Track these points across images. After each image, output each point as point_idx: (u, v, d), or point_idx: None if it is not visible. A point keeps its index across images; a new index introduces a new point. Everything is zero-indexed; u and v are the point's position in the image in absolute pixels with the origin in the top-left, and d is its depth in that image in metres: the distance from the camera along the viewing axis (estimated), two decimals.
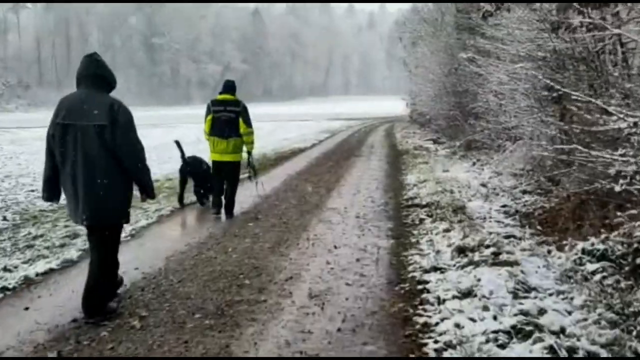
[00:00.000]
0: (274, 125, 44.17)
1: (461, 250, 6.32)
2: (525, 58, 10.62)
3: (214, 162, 9.53)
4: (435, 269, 6.08)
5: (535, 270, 5.77)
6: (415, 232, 8.07)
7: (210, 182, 9.97)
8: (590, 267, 5.75)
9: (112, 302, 5.12)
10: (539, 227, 8.21)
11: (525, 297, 4.95)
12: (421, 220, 8.79)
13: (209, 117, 9.27)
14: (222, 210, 9.47)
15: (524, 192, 10.62)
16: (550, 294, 5.09)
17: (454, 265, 6.09)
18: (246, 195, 11.00)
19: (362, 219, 9.09)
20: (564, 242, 7.32)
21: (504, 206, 9.87)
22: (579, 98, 6.91)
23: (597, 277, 5.46)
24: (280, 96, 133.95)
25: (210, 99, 9.56)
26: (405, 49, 38.28)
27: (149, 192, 5.23)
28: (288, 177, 14.05)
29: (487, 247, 6.24)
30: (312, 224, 8.69)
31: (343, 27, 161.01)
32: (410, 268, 6.28)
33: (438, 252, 6.66)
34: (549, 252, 6.77)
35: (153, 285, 5.83)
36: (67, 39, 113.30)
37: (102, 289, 5.02)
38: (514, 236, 7.72)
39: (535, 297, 4.96)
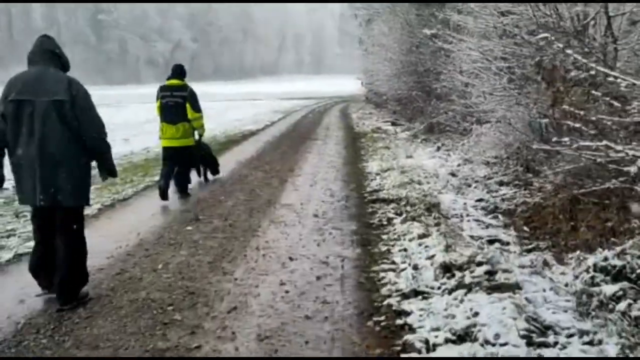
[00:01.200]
0: (225, 106, 42.47)
1: (447, 269, 5.10)
2: (503, 33, 9.50)
3: (163, 148, 9.51)
4: (415, 293, 4.86)
5: (543, 295, 4.60)
6: (384, 236, 6.85)
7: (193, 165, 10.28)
8: (607, 289, 4.61)
9: (85, 288, 5.02)
10: (525, 228, 7.09)
11: (543, 344, 3.77)
12: (390, 221, 7.58)
13: (157, 103, 9.38)
14: (168, 195, 9.16)
15: (500, 183, 9.52)
16: (572, 335, 3.93)
17: (439, 288, 4.88)
18: (189, 187, 9.65)
19: (321, 218, 7.83)
20: (561, 248, 6.24)
21: (480, 200, 8.75)
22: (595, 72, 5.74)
23: (622, 305, 4.32)
24: (232, 75, 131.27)
25: (160, 85, 9.55)
26: (360, 27, 36.94)
27: (112, 169, 5.17)
28: (237, 165, 12.68)
29: (479, 264, 5.03)
30: (263, 226, 7.39)
31: (295, 5, 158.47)
32: (384, 291, 5.04)
33: (416, 267, 5.45)
34: (547, 264, 5.65)
35: (51, 324, 4.45)
36: (8, 13, 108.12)
37: (74, 274, 4.87)
38: (499, 240, 6.60)
39: (556, 344, 3.78)
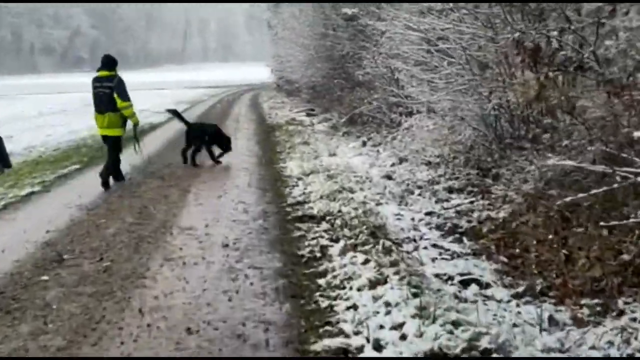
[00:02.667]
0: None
1: None
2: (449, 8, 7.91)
3: (101, 136, 9.72)
4: None
5: None
6: (321, 280, 4.98)
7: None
8: None
9: None
10: (503, 258, 5.42)
11: None
12: (324, 250, 5.74)
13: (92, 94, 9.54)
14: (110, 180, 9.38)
15: (450, 190, 7.87)
16: None
17: None
18: (60, 205, 7.51)
19: (232, 249, 5.89)
20: (562, 292, 4.60)
21: (430, 214, 7.07)
22: None
23: None
24: (136, 63, 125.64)
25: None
26: (269, 10, 34.91)
27: (6, 160, 5.66)
28: (130, 170, 10.49)
29: (486, 353, 3.25)
30: (152, 268, 5.37)
31: None
32: None
33: (379, 347, 3.63)
34: (554, 321, 3.99)
35: None
36: None
37: None
38: (475, 281, 4.89)
39: None
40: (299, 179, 9.44)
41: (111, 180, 9.39)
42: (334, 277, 4.98)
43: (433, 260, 5.44)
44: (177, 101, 33.80)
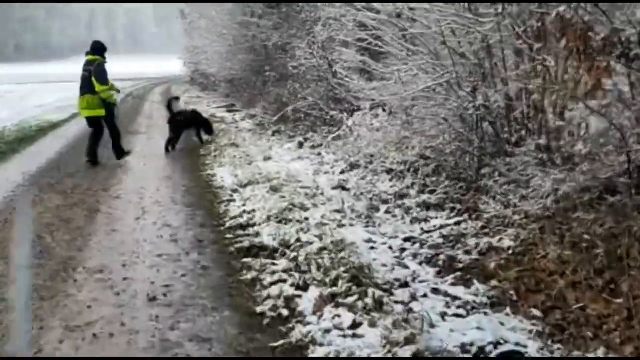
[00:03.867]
0: (29, 89, 36.33)
1: None
2: None
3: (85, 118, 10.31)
4: None
5: None
6: None
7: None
8: None
9: None
10: (536, 312, 4.04)
11: None
12: (291, 306, 4.18)
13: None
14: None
15: (426, 206, 6.46)
16: None
17: None
18: None
19: (163, 307, 4.23)
20: None
21: (410, 239, 5.66)
22: None
23: None
24: (36, 54, 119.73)
25: None
26: None
27: None
28: (22, 182, 8.54)
29: None
30: (47, 348, 3.66)
31: None
32: None
33: None
34: None
35: None
36: None
37: None
38: (518, 355, 3.48)
39: None
40: (235, 191, 7.82)
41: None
42: (315, 351, 3.45)
43: (443, 317, 4.00)
44: None
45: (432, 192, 6.64)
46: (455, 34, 6.57)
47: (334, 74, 11.77)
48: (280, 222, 6.17)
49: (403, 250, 5.40)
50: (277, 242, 5.48)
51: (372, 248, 5.46)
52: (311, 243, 5.34)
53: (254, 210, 6.67)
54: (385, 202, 6.86)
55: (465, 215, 5.96)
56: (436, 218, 6.10)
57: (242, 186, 7.97)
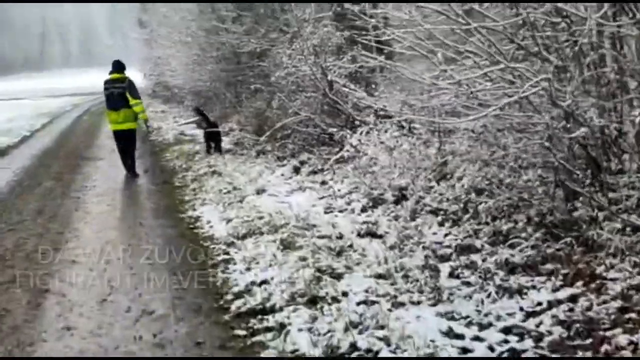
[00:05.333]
0: None
1: None
2: None
3: (113, 131, 10.88)
4: None
5: None
6: None
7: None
8: None
9: None
10: None
11: None
12: None
13: (104, 95, 10.77)
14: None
15: (509, 267, 4.62)
16: None
17: None
18: None
19: None
20: None
21: (511, 330, 3.82)
22: None
23: None
24: None
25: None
26: (140, 6, 30.51)
27: None
28: None
29: None
30: None
31: None
32: None
33: None
34: None
35: None
36: None
37: None
38: None
39: None
40: (230, 244, 5.94)
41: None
42: None
43: None
44: (38, 113, 28.88)
45: (512, 245, 4.80)
46: (538, 29, 4.78)
47: (330, 84, 9.94)
48: (311, 303, 4.30)
49: (514, 352, 3.56)
50: (321, 350, 3.60)
51: (465, 350, 3.61)
52: (376, 353, 3.48)
53: (266, 282, 4.77)
54: (444, 258, 5.02)
55: (579, 284, 4.15)
56: (534, 288, 4.27)
57: (240, 237, 6.07)
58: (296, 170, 9.49)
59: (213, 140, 12.63)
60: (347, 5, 10.52)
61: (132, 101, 10.47)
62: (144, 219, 7.35)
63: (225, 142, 13.93)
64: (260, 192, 8.16)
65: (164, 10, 22.05)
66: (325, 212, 7.00)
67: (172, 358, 3.76)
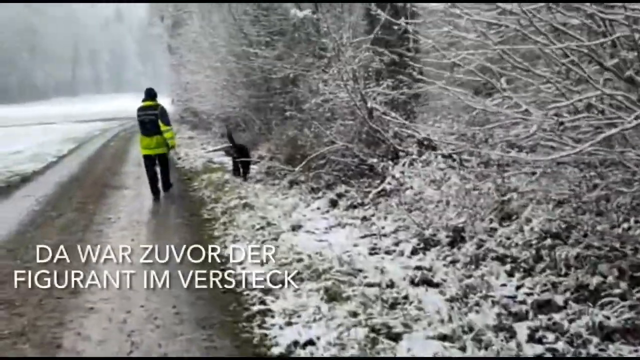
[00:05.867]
0: (9, 131, 33.61)
1: None
2: None
3: (144, 156, 11.24)
4: None
5: None
6: None
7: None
8: None
9: None
10: None
11: None
12: None
13: (137, 121, 11.28)
14: (161, 194, 11.00)
15: (603, 331, 3.86)
16: None
17: None
18: None
19: None
20: None
21: None
22: None
23: None
24: (21, 96, 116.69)
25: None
26: (168, 31, 30.32)
27: None
28: None
29: None
30: None
31: (87, 19, 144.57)
32: None
33: None
34: None
35: None
36: None
37: None
38: None
39: None
40: (267, 291, 5.24)
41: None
42: None
43: None
44: (64, 138, 28.61)
45: (604, 305, 4.05)
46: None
47: (370, 111, 9.29)
48: None
49: None
50: None
51: None
52: None
53: (312, 343, 4.07)
54: (519, 317, 4.27)
55: None
56: None
57: (277, 283, 5.37)
58: (333, 203, 8.82)
59: (242, 165, 12.97)
60: (386, 29, 10.03)
61: (163, 127, 10.91)
62: (169, 259, 6.69)
63: (255, 171, 13.35)
64: (296, 228, 7.50)
65: (194, 35, 21.73)
66: (370, 254, 6.30)
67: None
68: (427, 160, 8.60)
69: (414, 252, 6.05)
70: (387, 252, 6.25)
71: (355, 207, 8.37)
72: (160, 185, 11.17)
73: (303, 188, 10.43)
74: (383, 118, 9.44)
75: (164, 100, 27.30)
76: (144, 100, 11.25)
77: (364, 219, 7.69)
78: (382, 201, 8.11)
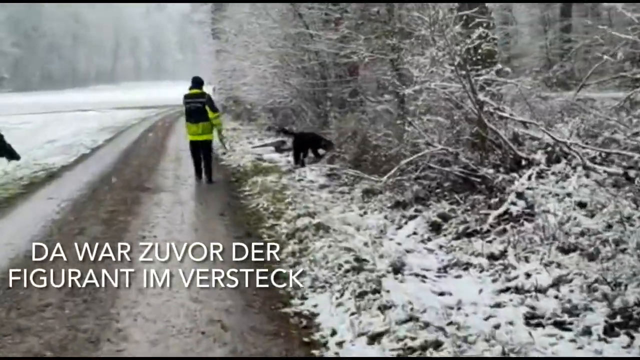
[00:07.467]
0: (48, 119, 32.05)
1: None
2: None
3: (190, 142, 11.41)
4: None
5: None
6: None
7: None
8: None
9: None
10: None
11: None
12: None
13: (184, 108, 11.46)
14: (203, 177, 11.21)
15: None
16: None
17: None
18: None
19: None
20: None
21: None
22: None
23: None
24: (63, 83, 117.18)
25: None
26: (213, 14, 28.29)
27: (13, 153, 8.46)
28: None
29: None
30: None
31: (129, 8, 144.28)
32: None
33: None
34: None
35: None
36: None
37: None
38: None
39: None
40: None
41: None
42: None
43: None
44: (100, 128, 26.88)
45: None
46: None
47: (480, 106, 7.08)
48: None
49: None
50: None
51: None
52: None
53: None
54: None
55: None
56: None
57: None
58: (435, 227, 6.62)
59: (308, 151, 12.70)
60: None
61: (211, 114, 11.18)
62: (219, 310, 4.61)
63: (316, 174, 11.25)
64: (398, 270, 5.33)
65: (242, 16, 19.65)
66: (528, 324, 4.12)
67: None
68: (564, 173, 6.43)
69: (605, 330, 3.84)
70: (558, 325, 4.05)
71: (469, 234, 6.16)
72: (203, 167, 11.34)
73: (382, 199, 8.27)
74: (495, 115, 7.24)
75: (204, 89, 25.14)
76: (191, 88, 11.45)
77: (492, 256, 5.48)
78: (508, 229, 5.90)
